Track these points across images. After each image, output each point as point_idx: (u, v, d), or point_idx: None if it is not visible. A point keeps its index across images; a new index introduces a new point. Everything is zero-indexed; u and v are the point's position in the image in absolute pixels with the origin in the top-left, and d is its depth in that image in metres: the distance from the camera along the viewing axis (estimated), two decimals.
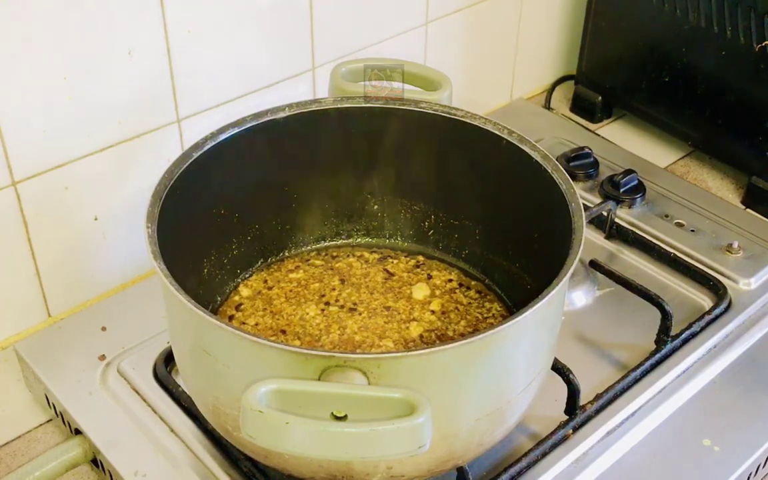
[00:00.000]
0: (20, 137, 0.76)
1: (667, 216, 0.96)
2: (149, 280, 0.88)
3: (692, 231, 0.93)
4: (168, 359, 0.76)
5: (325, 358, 0.53)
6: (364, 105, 0.77)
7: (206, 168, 0.70)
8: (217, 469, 0.69)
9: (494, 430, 0.62)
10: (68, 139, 0.79)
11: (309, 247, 0.84)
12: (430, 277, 0.81)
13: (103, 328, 0.81)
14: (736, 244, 0.91)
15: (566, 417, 0.72)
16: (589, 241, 0.92)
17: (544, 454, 0.70)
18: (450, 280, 0.80)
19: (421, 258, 0.83)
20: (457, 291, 0.79)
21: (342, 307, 0.77)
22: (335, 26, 0.95)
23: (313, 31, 0.93)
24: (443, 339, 0.74)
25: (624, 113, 1.19)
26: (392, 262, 0.82)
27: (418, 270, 0.81)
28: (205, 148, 0.71)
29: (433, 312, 0.77)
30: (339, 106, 0.77)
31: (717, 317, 0.83)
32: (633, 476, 0.70)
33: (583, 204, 0.66)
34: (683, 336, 0.80)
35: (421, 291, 0.79)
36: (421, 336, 0.74)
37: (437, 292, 0.79)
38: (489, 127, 0.74)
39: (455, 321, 0.76)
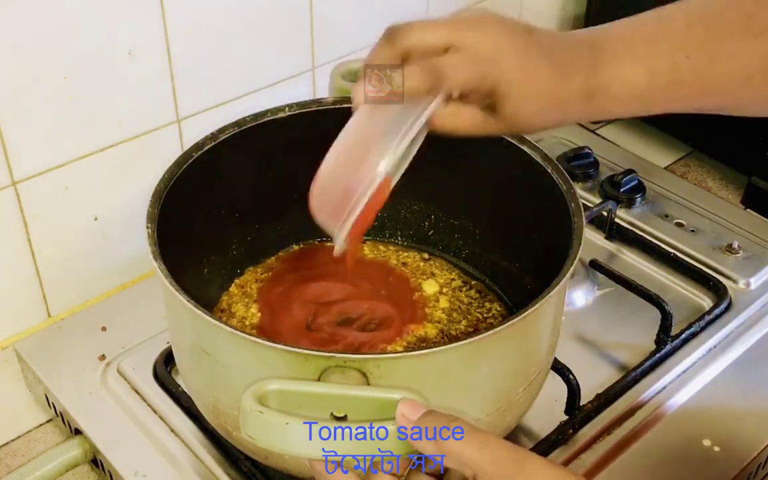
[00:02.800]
0: (20, 137, 0.76)
1: (667, 216, 0.96)
2: (149, 280, 0.88)
3: (692, 231, 0.93)
4: (168, 359, 0.76)
5: (325, 359, 0.53)
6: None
7: (206, 168, 0.70)
8: (217, 469, 0.69)
9: (494, 430, 0.62)
10: (68, 139, 0.79)
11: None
12: (433, 274, 0.81)
13: (103, 328, 0.81)
14: (736, 244, 0.91)
15: (566, 417, 0.72)
16: (589, 241, 0.92)
17: (544, 454, 0.70)
18: (453, 280, 0.80)
19: (426, 255, 0.83)
20: (458, 290, 0.79)
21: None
22: (335, 26, 0.95)
23: (313, 31, 0.93)
24: (451, 339, 0.74)
25: None
26: (404, 255, 0.82)
27: (425, 264, 0.81)
28: (205, 148, 0.71)
29: (443, 310, 0.76)
30: (339, 106, 0.76)
31: (717, 317, 0.83)
32: (633, 476, 0.69)
33: (583, 204, 0.66)
34: (683, 336, 0.80)
35: (431, 287, 0.78)
36: (431, 336, 0.74)
37: (444, 289, 0.79)
38: None
39: (457, 320, 0.76)
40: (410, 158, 0.67)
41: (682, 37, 0.58)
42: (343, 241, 0.58)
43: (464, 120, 0.60)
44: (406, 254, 0.83)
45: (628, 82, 0.58)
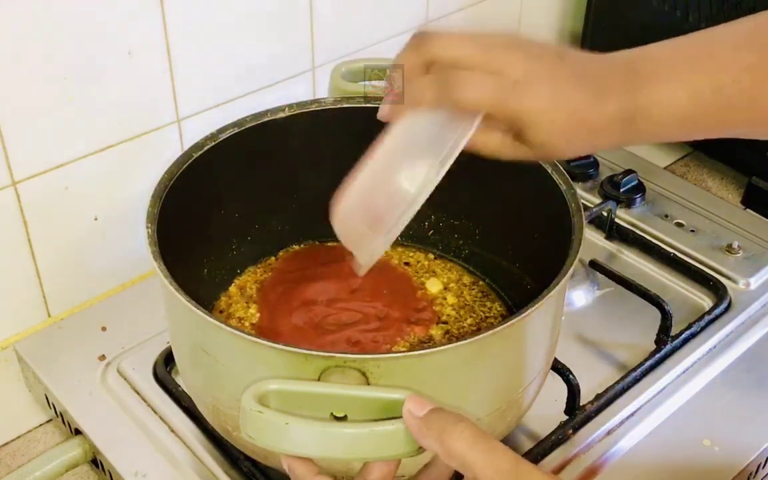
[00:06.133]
0: (20, 137, 0.76)
1: (667, 216, 0.96)
2: (149, 280, 0.88)
3: (692, 231, 0.93)
4: (168, 359, 0.76)
5: (325, 359, 0.53)
6: (364, 105, 0.77)
7: (206, 168, 0.71)
8: (217, 469, 0.69)
9: (494, 431, 0.62)
10: (68, 139, 0.79)
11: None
12: (435, 273, 0.81)
13: (103, 328, 0.81)
14: (736, 244, 0.91)
15: (566, 417, 0.72)
16: (589, 241, 0.92)
17: (544, 454, 0.70)
18: (459, 278, 0.80)
19: (431, 256, 0.83)
20: (463, 287, 0.79)
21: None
22: (335, 26, 0.95)
23: (313, 31, 0.93)
24: (455, 338, 0.74)
25: None
26: (408, 255, 0.82)
27: (430, 264, 0.81)
28: (205, 148, 0.71)
29: (452, 306, 0.76)
30: (339, 106, 0.77)
31: (717, 317, 0.83)
32: (633, 476, 0.69)
33: (583, 204, 0.66)
34: (683, 336, 0.80)
35: (434, 286, 0.78)
36: (434, 335, 0.74)
37: (450, 285, 0.79)
38: None
39: (463, 318, 0.76)
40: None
41: (728, 59, 0.55)
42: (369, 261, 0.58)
43: (493, 143, 0.57)
44: (411, 254, 0.83)
45: (669, 105, 0.55)
